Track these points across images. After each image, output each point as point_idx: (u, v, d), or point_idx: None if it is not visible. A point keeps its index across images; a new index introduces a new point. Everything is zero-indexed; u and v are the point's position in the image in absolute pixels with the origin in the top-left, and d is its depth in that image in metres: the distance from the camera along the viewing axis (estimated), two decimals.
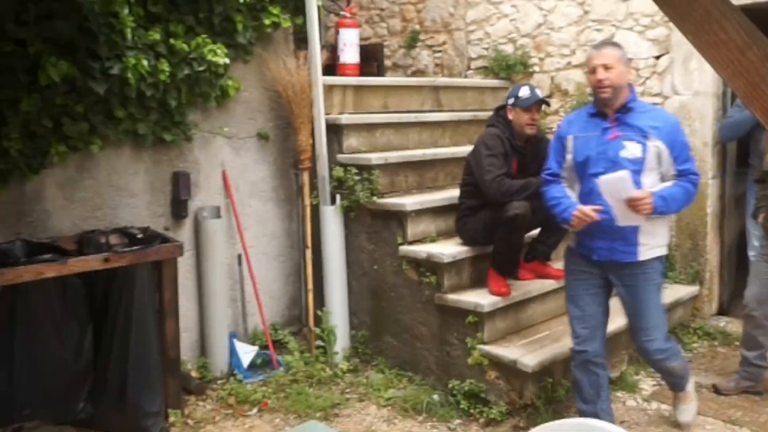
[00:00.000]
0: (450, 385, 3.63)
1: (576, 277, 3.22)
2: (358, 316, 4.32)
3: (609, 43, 3.43)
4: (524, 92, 3.72)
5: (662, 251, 3.13)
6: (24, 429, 3.36)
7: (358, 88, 4.70)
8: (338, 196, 4.21)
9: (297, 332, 4.44)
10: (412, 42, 6.36)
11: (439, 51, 6.21)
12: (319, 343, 4.19)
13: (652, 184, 2.93)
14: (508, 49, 5.59)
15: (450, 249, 3.80)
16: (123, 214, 3.72)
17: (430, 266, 3.79)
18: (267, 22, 4.18)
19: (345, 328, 4.24)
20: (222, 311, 4.04)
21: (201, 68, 3.83)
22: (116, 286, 3.33)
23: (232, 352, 4.04)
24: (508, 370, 3.45)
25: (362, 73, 5.03)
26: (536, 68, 5.44)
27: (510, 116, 3.74)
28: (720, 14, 0.81)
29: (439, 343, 3.80)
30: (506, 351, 3.50)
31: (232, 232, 4.19)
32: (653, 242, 3.04)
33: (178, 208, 3.96)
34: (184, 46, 3.77)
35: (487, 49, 5.77)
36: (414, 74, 6.30)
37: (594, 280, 3.14)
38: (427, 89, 5.25)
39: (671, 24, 4.51)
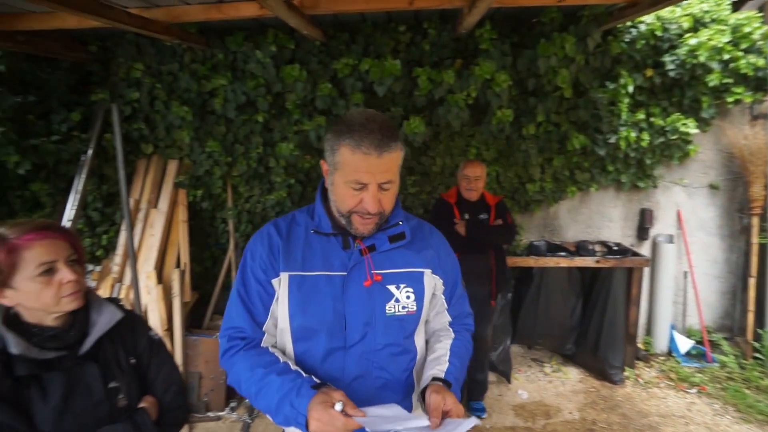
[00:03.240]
0: None
1: None
2: None
3: (388, 136, 0.93)
4: None
5: None
6: (537, 345, 3.65)
7: None
8: None
9: (729, 338, 3.53)
10: None
11: None
12: (756, 355, 3.25)
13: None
14: None
15: None
16: (603, 232, 3.61)
17: None
18: (730, 99, 3.44)
19: None
20: (666, 308, 3.51)
21: (673, 137, 3.42)
22: (600, 279, 3.26)
23: (671, 339, 3.49)
24: None
25: None
26: None
27: None
28: None
29: None
30: None
31: (680, 254, 3.58)
32: None
33: (642, 233, 3.59)
34: (661, 122, 3.43)
35: None
36: None
37: None
38: None
39: None
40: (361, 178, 0.94)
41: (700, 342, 3.47)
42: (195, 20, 2.60)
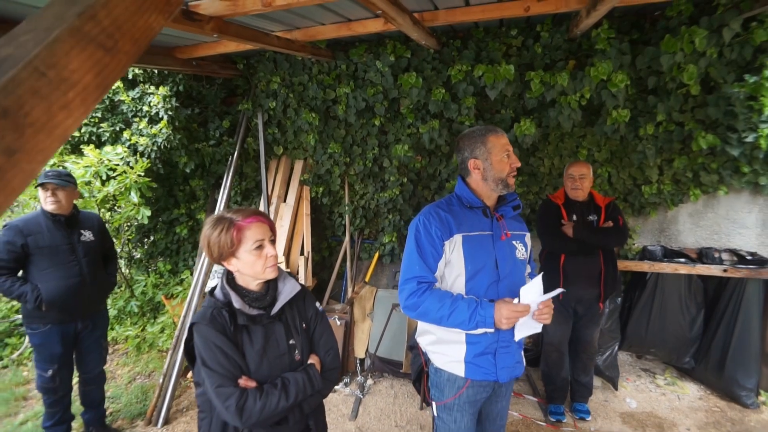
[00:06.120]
0: None
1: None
2: None
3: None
4: None
5: None
6: (648, 354, 3.43)
7: None
8: None
9: None
10: None
11: None
12: None
13: None
14: None
15: None
16: (734, 239, 3.26)
17: None
18: None
19: None
20: None
21: None
22: (728, 289, 2.96)
23: None
24: None
25: None
26: None
27: None
28: None
29: None
30: None
31: None
32: None
33: None
34: None
35: None
36: None
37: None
38: None
39: None
40: (508, 148, 1.53)
41: None
42: (327, 38, 2.91)
